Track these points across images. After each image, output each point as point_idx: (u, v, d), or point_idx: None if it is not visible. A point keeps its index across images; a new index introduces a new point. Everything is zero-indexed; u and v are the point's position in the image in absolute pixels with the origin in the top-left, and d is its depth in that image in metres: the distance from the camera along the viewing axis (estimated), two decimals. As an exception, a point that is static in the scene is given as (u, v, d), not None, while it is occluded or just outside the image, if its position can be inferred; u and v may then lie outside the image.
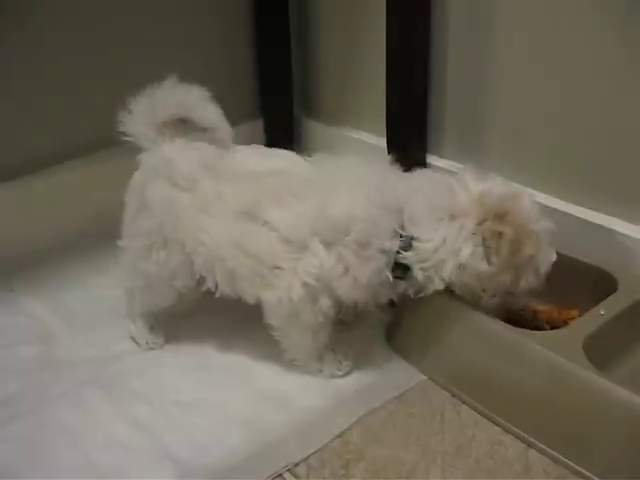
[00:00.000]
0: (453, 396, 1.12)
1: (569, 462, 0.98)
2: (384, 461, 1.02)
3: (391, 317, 1.26)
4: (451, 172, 1.44)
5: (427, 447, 1.04)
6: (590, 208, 1.28)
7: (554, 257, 1.07)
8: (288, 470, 1.00)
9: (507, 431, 1.05)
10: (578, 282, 1.16)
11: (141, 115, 1.13)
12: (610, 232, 1.24)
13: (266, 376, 1.16)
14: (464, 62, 1.42)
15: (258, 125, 1.76)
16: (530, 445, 1.03)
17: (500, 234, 1.02)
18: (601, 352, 1.01)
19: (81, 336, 1.25)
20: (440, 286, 1.07)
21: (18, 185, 1.45)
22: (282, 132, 1.76)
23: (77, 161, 1.50)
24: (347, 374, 1.16)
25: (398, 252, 1.05)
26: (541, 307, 1.18)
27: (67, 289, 1.37)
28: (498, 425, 1.07)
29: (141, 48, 1.57)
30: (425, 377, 1.16)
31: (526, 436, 1.03)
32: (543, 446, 1.01)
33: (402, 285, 1.09)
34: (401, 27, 1.44)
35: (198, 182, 1.10)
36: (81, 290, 1.36)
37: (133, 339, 1.23)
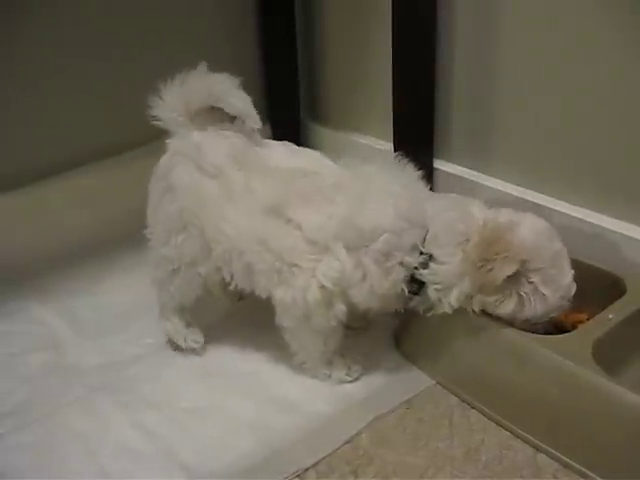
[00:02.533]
0: (462, 401, 1.12)
1: (579, 466, 0.98)
2: (393, 466, 1.02)
3: (399, 322, 1.25)
4: (458, 177, 1.47)
5: (436, 452, 1.04)
6: (598, 211, 1.28)
7: (568, 279, 1.06)
8: (297, 476, 1.01)
9: (516, 436, 1.05)
10: (586, 286, 1.14)
11: (173, 101, 1.13)
12: (619, 236, 1.24)
13: (275, 382, 1.17)
14: (471, 66, 1.42)
15: (265, 130, 1.76)
16: (539, 449, 1.03)
17: (467, 255, 1.03)
18: (610, 356, 1.01)
19: (90, 342, 1.26)
20: (449, 310, 1.07)
21: (27, 193, 1.46)
22: (289, 137, 1.75)
23: (87, 168, 1.50)
24: (356, 379, 1.16)
25: (416, 268, 1.05)
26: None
27: (75, 296, 1.38)
28: (507, 430, 1.07)
29: (147, 51, 1.58)
30: (434, 382, 1.16)
31: (535, 440, 1.03)
32: (552, 450, 1.01)
33: (414, 300, 1.09)
34: (407, 32, 1.45)
35: (225, 171, 1.09)
36: (89, 297, 1.36)
37: (171, 341, 1.23)
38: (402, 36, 1.45)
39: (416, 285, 1.07)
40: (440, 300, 1.07)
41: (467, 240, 1.04)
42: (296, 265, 1.05)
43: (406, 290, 1.07)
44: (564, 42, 1.25)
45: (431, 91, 1.50)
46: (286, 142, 1.20)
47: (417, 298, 1.09)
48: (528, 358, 1.04)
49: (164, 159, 1.16)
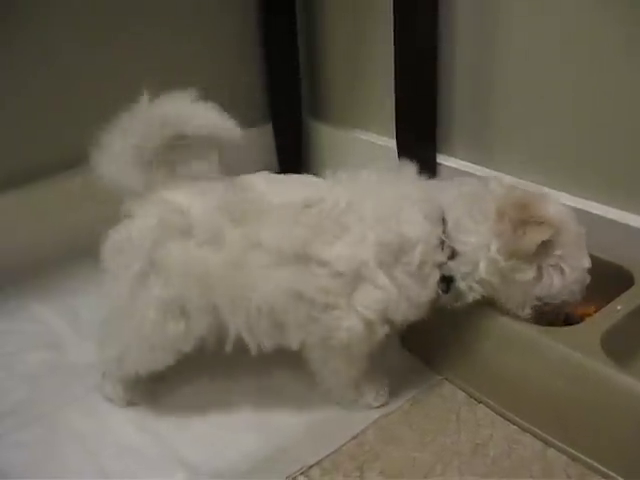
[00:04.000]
0: (469, 396, 1.11)
1: (589, 460, 0.97)
2: (400, 462, 1.00)
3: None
4: (462, 171, 1.45)
5: (443, 447, 1.02)
6: (601, 202, 1.26)
7: (587, 263, 1.04)
8: (302, 473, 0.99)
9: (524, 430, 1.04)
10: (594, 278, 1.13)
11: (120, 150, 0.96)
12: (625, 227, 1.22)
13: (279, 380, 1.15)
14: (473, 61, 1.41)
15: (267, 129, 1.75)
16: (548, 444, 1.01)
17: (502, 215, 1.00)
18: (618, 348, 0.98)
19: (90, 342, 1.22)
20: (477, 294, 1.04)
21: (27, 193, 1.45)
22: (291, 135, 1.75)
23: (87, 167, 1.48)
24: (385, 402, 1.10)
25: (443, 265, 1.02)
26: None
27: (75, 296, 1.36)
28: (515, 424, 1.05)
29: (143, 49, 1.56)
30: (440, 377, 1.14)
31: (543, 434, 1.02)
32: (561, 444, 1.00)
33: (444, 299, 1.05)
34: (408, 28, 1.43)
35: (224, 232, 0.96)
36: (89, 297, 1.34)
37: (107, 397, 1.11)
38: (403, 33, 1.44)
39: (445, 283, 1.03)
40: (470, 287, 1.03)
41: (487, 218, 1.01)
42: (332, 306, 0.97)
43: (440, 292, 1.03)
44: (564, 35, 1.24)
45: (433, 87, 1.48)
46: (263, 172, 1.06)
47: (446, 296, 1.05)
48: (535, 350, 1.02)
49: (138, 230, 0.97)
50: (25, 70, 1.42)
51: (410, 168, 1.06)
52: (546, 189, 1.27)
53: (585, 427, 0.97)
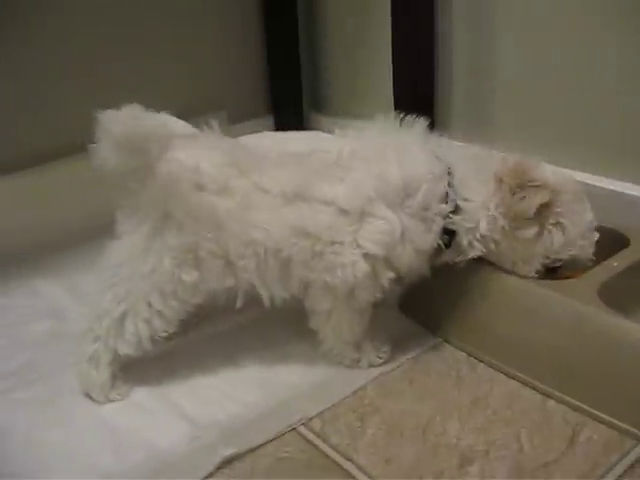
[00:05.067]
0: (469, 355, 1.11)
1: (588, 408, 0.97)
2: (400, 414, 1.00)
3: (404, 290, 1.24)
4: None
5: (443, 401, 1.02)
6: (600, 174, 1.29)
7: (589, 217, 1.06)
8: (303, 424, 0.99)
9: (525, 384, 1.04)
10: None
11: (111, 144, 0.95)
12: (618, 195, 1.25)
13: (283, 340, 1.16)
14: (469, 59, 1.47)
15: (269, 120, 1.79)
16: (548, 396, 1.01)
17: (500, 181, 1.02)
18: (614, 300, 0.99)
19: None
20: (478, 250, 1.06)
21: (30, 176, 1.48)
22: (293, 128, 1.78)
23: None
24: (386, 362, 1.11)
25: (446, 217, 1.04)
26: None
27: (78, 272, 1.37)
28: (515, 379, 1.05)
29: (152, 46, 1.61)
30: (440, 339, 1.15)
31: (544, 387, 1.02)
32: (561, 395, 1.00)
33: (445, 254, 1.07)
34: (406, 27, 1.49)
35: (231, 181, 1.00)
36: (90, 275, 1.33)
37: (88, 394, 1.05)
38: (401, 27, 1.48)
39: (447, 236, 1.05)
40: (471, 244, 1.05)
41: (492, 179, 1.04)
42: (338, 242, 0.99)
43: (442, 245, 1.05)
44: (560, 22, 1.29)
45: (430, 78, 1.52)
46: (266, 132, 1.13)
47: (448, 251, 1.06)
48: (533, 302, 1.04)
49: (152, 188, 1.00)
50: (31, 52, 1.46)
51: (420, 124, 1.08)
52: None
53: (584, 376, 0.98)
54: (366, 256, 0.99)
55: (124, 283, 1.02)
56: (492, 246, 1.06)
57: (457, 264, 1.08)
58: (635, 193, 1.24)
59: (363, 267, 0.99)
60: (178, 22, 1.65)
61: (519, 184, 1.02)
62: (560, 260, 1.06)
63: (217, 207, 1.00)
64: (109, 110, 0.94)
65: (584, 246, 1.06)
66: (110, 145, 0.94)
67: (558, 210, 1.04)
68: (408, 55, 1.50)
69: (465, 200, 1.04)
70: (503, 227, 1.04)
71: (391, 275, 1.02)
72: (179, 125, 1.00)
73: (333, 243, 0.99)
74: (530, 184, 1.02)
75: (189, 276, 1.00)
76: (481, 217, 1.04)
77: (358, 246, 0.99)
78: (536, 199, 1.01)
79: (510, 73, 1.40)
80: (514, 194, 1.02)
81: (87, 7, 1.51)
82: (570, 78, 1.30)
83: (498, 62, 1.41)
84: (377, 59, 1.62)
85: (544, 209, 1.03)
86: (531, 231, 1.04)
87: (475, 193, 1.04)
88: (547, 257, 1.06)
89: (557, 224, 1.04)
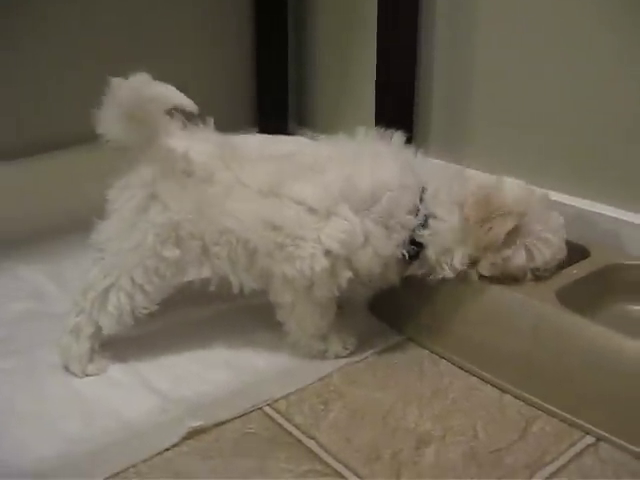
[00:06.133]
0: (432, 352, 1.16)
1: (542, 402, 1.02)
2: (363, 400, 1.05)
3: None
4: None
5: (405, 390, 1.07)
6: (565, 192, 1.36)
7: (561, 220, 1.12)
8: (268, 404, 1.03)
9: (485, 380, 1.09)
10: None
11: (115, 114, 1.02)
12: (580, 211, 1.32)
13: (252, 328, 1.20)
14: (449, 75, 1.53)
15: (254, 132, 1.85)
16: (506, 391, 1.06)
17: (466, 219, 1.07)
18: (572, 303, 1.04)
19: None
20: (451, 275, 1.10)
21: (22, 165, 1.52)
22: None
23: (81, 147, 1.56)
24: (352, 354, 1.15)
25: (414, 230, 1.08)
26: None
27: (61, 261, 1.42)
28: (476, 375, 1.10)
29: (147, 55, 1.67)
30: (405, 337, 1.20)
31: (502, 383, 1.07)
32: (518, 390, 1.05)
33: (412, 266, 1.11)
34: (390, 46, 1.56)
35: (215, 172, 1.07)
36: (75, 259, 1.38)
37: (66, 367, 1.09)
38: (385, 51, 1.56)
39: (414, 248, 1.09)
40: (439, 263, 1.10)
41: (463, 202, 1.08)
42: (300, 237, 1.04)
43: (406, 254, 1.09)
44: (544, 41, 1.36)
45: (410, 97, 1.59)
46: (256, 134, 1.19)
47: (415, 263, 1.11)
48: (493, 303, 1.09)
49: (143, 169, 1.06)
50: (33, 44, 1.52)
51: (398, 137, 1.14)
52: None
53: (540, 372, 1.03)
54: (327, 253, 1.04)
55: (110, 258, 1.07)
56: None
57: (428, 280, 1.12)
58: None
59: (322, 262, 1.04)
60: (171, 32, 1.72)
61: (484, 218, 1.06)
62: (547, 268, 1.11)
63: (200, 193, 1.06)
64: (118, 78, 1.00)
65: (563, 249, 1.12)
66: (116, 111, 1.01)
67: (536, 227, 1.09)
68: (391, 74, 1.57)
69: (435, 218, 1.09)
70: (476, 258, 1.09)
71: (349, 275, 1.06)
72: (181, 97, 1.03)
73: (296, 237, 1.04)
74: (494, 214, 1.06)
75: (170, 252, 1.06)
76: (455, 247, 1.09)
77: (320, 242, 1.04)
78: (503, 227, 1.06)
79: (489, 95, 1.47)
80: (480, 227, 1.06)
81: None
82: (546, 99, 1.37)
83: (477, 86, 1.48)
84: (361, 77, 1.69)
85: (514, 233, 1.07)
86: (521, 257, 1.09)
87: (445, 212, 1.09)
88: (537, 269, 1.11)
89: (540, 239, 1.09)
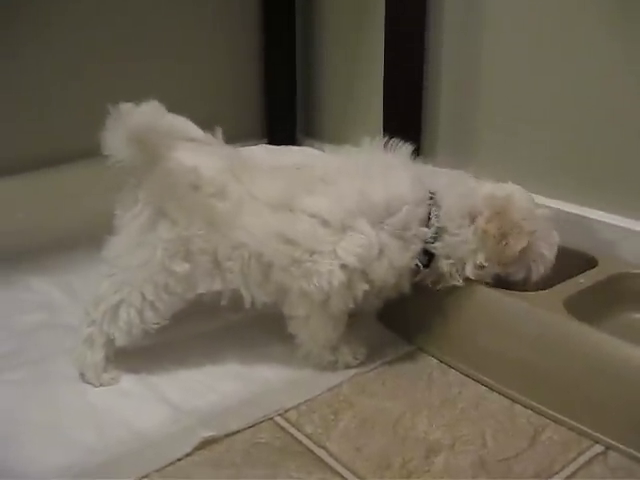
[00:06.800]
0: (441, 362, 1.16)
1: (551, 411, 1.02)
2: (373, 410, 1.05)
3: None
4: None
5: (414, 400, 1.07)
6: (573, 202, 1.37)
7: (557, 237, 1.14)
8: (279, 414, 1.04)
9: (493, 389, 1.09)
10: (565, 264, 1.20)
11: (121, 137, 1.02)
12: (590, 221, 1.34)
13: (264, 341, 1.21)
14: (457, 84, 1.55)
15: (263, 143, 1.86)
16: (515, 401, 1.06)
17: (485, 232, 1.09)
18: (578, 312, 1.05)
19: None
20: (460, 282, 1.13)
21: (31, 179, 1.55)
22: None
23: (90, 161, 1.57)
24: (362, 364, 1.16)
25: (427, 241, 1.10)
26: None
27: (73, 272, 1.43)
28: (485, 385, 1.10)
29: (146, 64, 1.69)
30: (414, 347, 1.20)
31: (512, 393, 1.07)
32: (527, 399, 1.05)
33: (422, 273, 1.13)
34: (398, 60, 1.58)
35: (226, 186, 1.06)
36: (87, 272, 1.37)
37: (82, 375, 1.10)
38: (392, 64, 1.58)
39: (426, 257, 1.11)
40: (451, 273, 1.12)
41: (475, 215, 1.10)
42: (316, 251, 1.04)
43: (420, 264, 1.10)
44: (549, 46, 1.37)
45: (418, 107, 1.60)
46: (262, 145, 1.20)
47: (425, 271, 1.12)
48: (502, 312, 1.10)
49: (152, 183, 1.06)
50: (33, 56, 1.54)
51: (406, 148, 1.15)
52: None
53: (548, 381, 1.04)
54: (343, 267, 1.04)
55: (120, 274, 1.08)
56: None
57: (437, 289, 1.14)
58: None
59: (339, 276, 1.04)
60: (180, 42, 1.74)
61: (502, 233, 1.09)
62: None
63: (211, 208, 1.06)
64: (128, 103, 1.00)
65: (553, 262, 1.14)
66: (124, 137, 1.01)
67: (539, 244, 1.12)
68: (398, 86, 1.58)
69: (446, 229, 1.11)
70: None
71: (365, 287, 1.07)
72: (193, 129, 1.06)
73: (313, 252, 1.05)
74: (512, 231, 1.09)
75: (180, 267, 1.06)
76: (468, 258, 1.11)
77: (336, 257, 1.04)
78: (518, 244, 1.09)
79: (497, 104, 1.48)
80: (499, 243, 1.09)
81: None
82: (553, 108, 1.39)
83: (485, 95, 1.49)
84: (369, 89, 1.70)
85: (525, 250, 1.10)
86: (522, 273, 1.13)
87: (456, 225, 1.11)
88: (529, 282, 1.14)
89: (540, 256, 1.12)
